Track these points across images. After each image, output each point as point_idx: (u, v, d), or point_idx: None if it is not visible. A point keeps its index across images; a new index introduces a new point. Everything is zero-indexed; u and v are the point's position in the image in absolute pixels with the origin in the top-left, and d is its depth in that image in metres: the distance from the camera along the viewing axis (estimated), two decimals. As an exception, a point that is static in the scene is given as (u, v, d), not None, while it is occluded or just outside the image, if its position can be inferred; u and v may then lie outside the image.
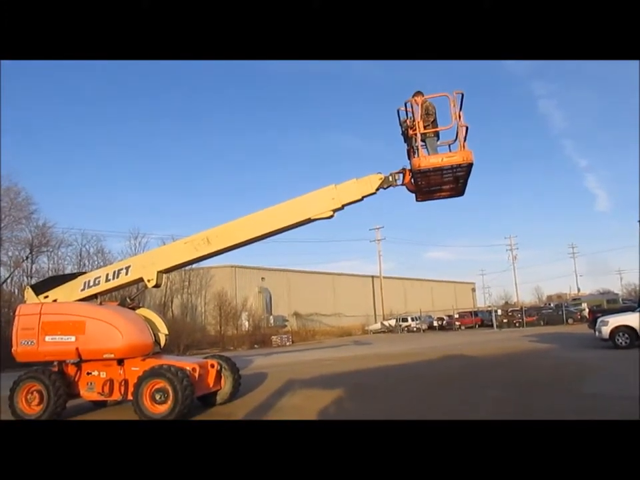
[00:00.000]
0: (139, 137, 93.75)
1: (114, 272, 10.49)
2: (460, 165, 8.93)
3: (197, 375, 9.59)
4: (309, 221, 9.89)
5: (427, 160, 8.92)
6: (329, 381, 13.63)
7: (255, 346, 39.40)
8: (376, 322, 60.49)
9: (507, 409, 8.80)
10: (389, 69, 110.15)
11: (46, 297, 10.50)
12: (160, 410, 8.86)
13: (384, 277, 65.55)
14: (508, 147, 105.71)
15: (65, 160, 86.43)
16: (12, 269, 34.81)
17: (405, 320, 54.29)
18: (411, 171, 9.49)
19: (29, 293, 10.65)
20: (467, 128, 8.94)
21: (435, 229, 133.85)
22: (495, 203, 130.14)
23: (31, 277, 35.24)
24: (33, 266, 36.07)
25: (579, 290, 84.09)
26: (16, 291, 35.08)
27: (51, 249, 36.71)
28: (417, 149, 9.12)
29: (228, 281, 50.60)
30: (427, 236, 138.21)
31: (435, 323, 53.73)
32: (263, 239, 10.31)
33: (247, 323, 44.44)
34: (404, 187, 9.80)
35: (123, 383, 9.68)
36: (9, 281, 34.80)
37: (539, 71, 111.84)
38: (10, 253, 34.43)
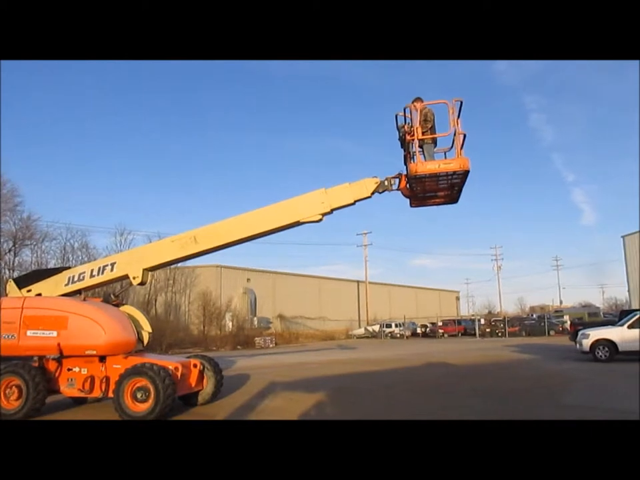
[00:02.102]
0: (129, 133, 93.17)
1: (99, 268, 10.41)
2: (456, 172, 8.98)
3: (179, 374, 9.54)
4: (297, 223, 9.89)
5: (424, 166, 8.96)
6: (312, 384, 13.63)
7: (238, 347, 39.20)
8: (360, 327, 60.50)
9: (486, 416, 8.85)
10: (381, 74, 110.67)
11: (29, 290, 10.40)
12: (141, 408, 8.79)
13: (369, 283, 65.67)
14: (497, 158, 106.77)
15: (50, 153, 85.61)
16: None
17: (388, 326, 54.35)
18: (407, 176, 9.53)
19: (12, 287, 10.52)
20: (464, 135, 8.99)
21: (422, 236, 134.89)
22: (482, 212, 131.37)
23: (14, 270, 34.81)
24: (16, 259, 35.66)
25: (561, 302, 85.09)
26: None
27: (34, 243, 36.30)
28: (414, 155, 9.17)
29: (213, 280, 50.35)
30: (413, 243, 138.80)
31: (419, 330, 53.96)
32: (250, 240, 10.29)
33: (230, 324, 44.18)
34: (399, 191, 9.84)
35: (104, 380, 9.59)
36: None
37: (531, 84, 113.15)
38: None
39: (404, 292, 77.74)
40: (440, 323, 52.85)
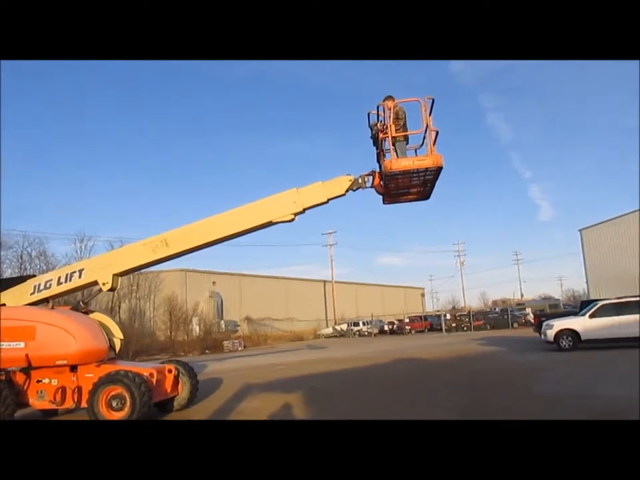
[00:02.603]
0: (88, 135, 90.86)
1: (66, 275, 10.13)
2: (429, 168, 9.11)
3: (154, 380, 9.40)
4: (270, 224, 9.87)
5: (398, 163, 9.05)
6: (286, 385, 13.60)
7: (207, 351, 38.79)
8: (328, 326, 60.67)
9: (459, 410, 9.02)
10: (337, 75, 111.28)
11: (-8, 301, 10.04)
12: (116, 417, 8.61)
13: (336, 282, 65.93)
14: (458, 157, 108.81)
15: (4, 157, 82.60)
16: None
17: (356, 324, 54.71)
18: (380, 173, 9.62)
19: (-26, 298, 10.13)
20: (437, 133, 9.11)
21: (388, 235, 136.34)
22: (445, 210, 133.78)
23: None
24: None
25: (522, 295, 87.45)
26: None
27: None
28: (388, 152, 9.27)
29: (178, 285, 49.64)
30: (379, 241, 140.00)
31: (386, 327, 54.53)
32: (223, 241, 10.20)
33: (197, 328, 43.67)
34: (373, 189, 9.93)
35: (76, 390, 9.35)
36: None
37: (487, 84, 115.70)
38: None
39: (370, 290, 78.37)
40: (407, 320, 53.52)
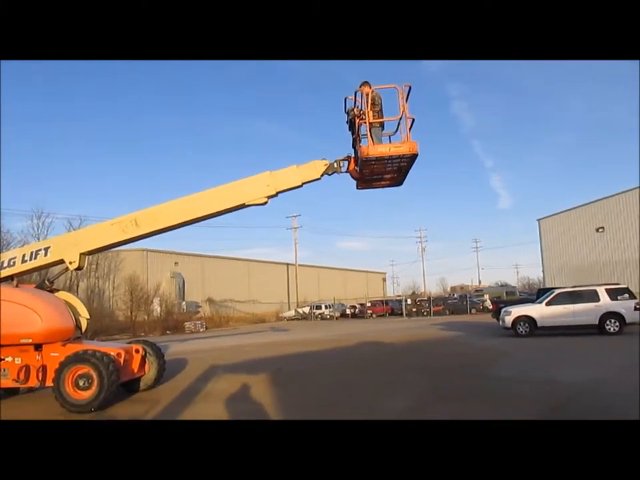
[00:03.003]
0: (42, 109, 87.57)
1: (31, 253, 9.89)
2: (405, 155, 9.22)
3: (122, 360, 9.32)
4: (242, 206, 9.85)
5: (375, 149, 9.12)
6: (252, 367, 13.69)
7: (168, 332, 38.49)
8: (290, 309, 60.93)
9: (423, 391, 9.32)
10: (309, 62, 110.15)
11: (-49, 278, 9.73)
12: (83, 396, 8.55)
13: (299, 265, 66.11)
14: (422, 143, 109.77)
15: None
16: None
17: (318, 307, 55.10)
18: (356, 158, 9.70)
19: None
20: (412, 120, 9.20)
21: (350, 219, 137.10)
22: (408, 196, 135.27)
23: None
24: None
25: (480, 282, 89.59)
26: None
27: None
28: (365, 138, 9.34)
29: (139, 265, 48.94)
30: (341, 225, 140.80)
31: (348, 311, 55.05)
32: (193, 222, 10.14)
33: (159, 309, 43.20)
34: (347, 174, 10.01)
35: (40, 369, 9.20)
36: None
37: (453, 72, 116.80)
38: None
39: (332, 274, 78.93)
40: (368, 304, 54.18)
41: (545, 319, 18.72)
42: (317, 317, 53.59)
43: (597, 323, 17.94)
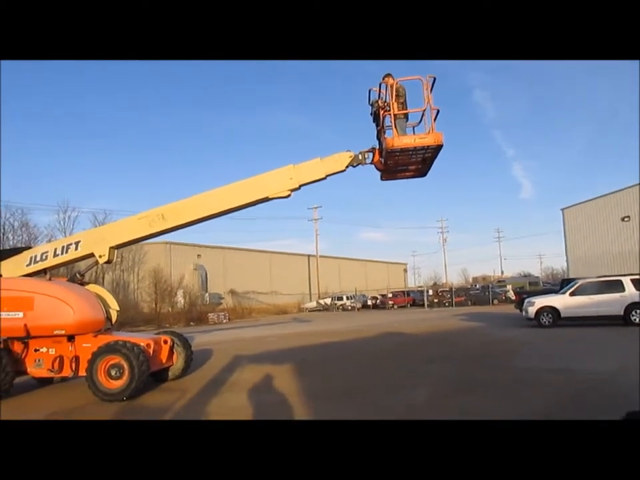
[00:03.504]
0: (72, 106, 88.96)
1: (62, 247, 10.22)
2: (430, 146, 9.26)
3: (151, 350, 9.61)
4: (266, 199, 10.02)
5: (400, 140, 9.17)
6: (276, 357, 13.93)
7: (191, 323, 39.08)
8: (311, 300, 61.22)
9: (449, 381, 9.42)
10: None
11: (-13, 272, 10.11)
12: (115, 385, 8.84)
13: (320, 256, 66.29)
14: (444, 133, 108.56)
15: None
16: None
17: (340, 299, 55.27)
18: (380, 150, 9.79)
19: (-31, 268, 10.19)
20: (437, 111, 9.22)
21: (370, 210, 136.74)
22: (429, 186, 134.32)
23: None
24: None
25: (502, 272, 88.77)
26: None
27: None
28: (389, 129, 9.43)
29: (162, 257, 49.61)
30: (361, 216, 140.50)
31: (369, 302, 55.14)
32: (219, 216, 10.35)
33: (182, 301, 43.84)
34: (372, 165, 10.10)
35: (73, 360, 9.53)
36: None
37: (475, 61, 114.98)
38: None
39: (353, 265, 78.94)
40: (390, 295, 54.22)
41: (569, 309, 18.61)
42: (338, 308, 53.78)
43: (622, 313, 17.75)
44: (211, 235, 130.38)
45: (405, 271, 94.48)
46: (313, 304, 58.00)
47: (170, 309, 41.82)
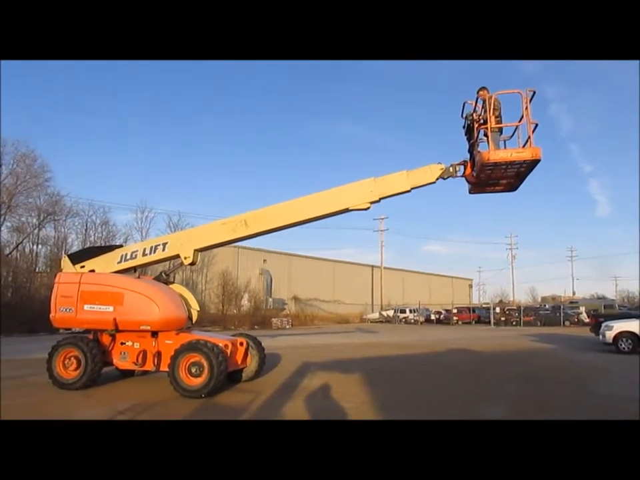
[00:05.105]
0: (157, 108, 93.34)
1: (151, 247, 10.78)
2: (526, 161, 9.13)
3: (229, 351, 9.93)
4: (346, 210, 10.19)
5: (496, 154, 9.12)
6: (345, 366, 14.00)
7: (256, 327, 39.77)
8: (373, 311, 60.94)
9: (525, 404, 9.15)
10: (402, 63, 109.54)
11: (82, 266, 10.80)
12: (195, 382, 9.20)
13: (384, 268, 65.90)
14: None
15: (72, 128, 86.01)
16: (19, 236, 34.97)
17: (403, 311, 54.80)
18: (473, 163, 9.78)
19: (66, 262, 10.93)
20: (535, 125, 9.09)
21: (434, 223, 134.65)
22: (497, 201, 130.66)
23: (38, 245, 35.47)
24: (40, 234, 36.32)
25: (574, 293, 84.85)
26: (18, 256, 35.30)
27: (59, 218, 36.89)
28: (482, 142, 9.44)
29: (231, 260, 50.86)
30: (425, 229, 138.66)
31: (433, 317, 54.30)
32: (298, 225, 10.59)
33: (247, 304, 44.79)
34: (463, 178, 10.11)
35: (156, 355, 10.00)
36: (11, 246, 34.97)
37: (551, 73, 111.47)
38: (23, 219, 34.58)
39: (417, 278, 77.96)
40: (454, 310, 53.13)
41: (651, 335, 17.59)
42: (400, 321, 53.27)
43: None
44: (277, 240, 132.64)
45: (471, 286, 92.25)
46: (376, 315, 57.73)
47: (236, 312, 42.81)
